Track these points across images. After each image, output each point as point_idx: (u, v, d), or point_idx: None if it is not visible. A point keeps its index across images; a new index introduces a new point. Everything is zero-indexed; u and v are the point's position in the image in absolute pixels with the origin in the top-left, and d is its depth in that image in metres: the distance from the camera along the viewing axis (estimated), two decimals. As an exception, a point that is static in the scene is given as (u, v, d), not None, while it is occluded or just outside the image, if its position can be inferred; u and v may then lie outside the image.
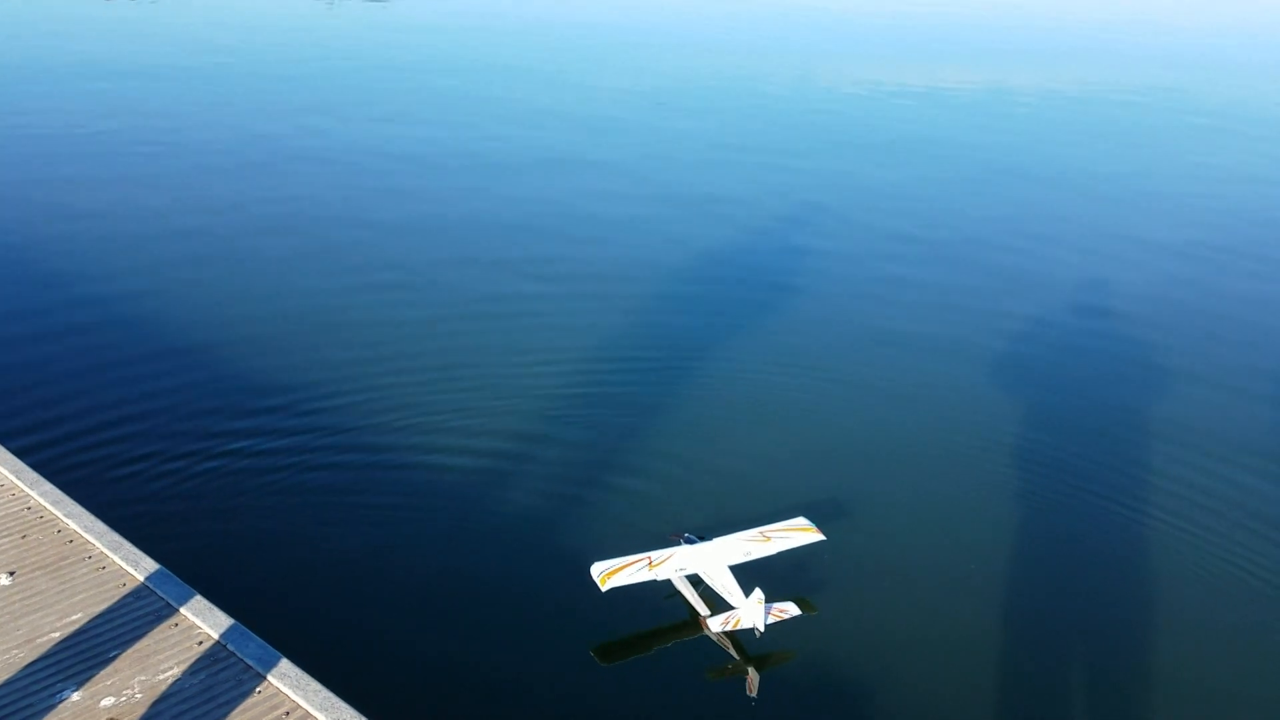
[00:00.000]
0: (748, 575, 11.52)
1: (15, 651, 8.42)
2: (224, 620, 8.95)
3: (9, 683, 8.09)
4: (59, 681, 8.13)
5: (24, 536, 9.90)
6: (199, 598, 9.23)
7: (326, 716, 7.91)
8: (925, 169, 31.55)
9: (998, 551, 13.36)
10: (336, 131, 31.89)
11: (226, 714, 7.93)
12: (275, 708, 8.02)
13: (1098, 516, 14.12)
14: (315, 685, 8.23)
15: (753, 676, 10.84)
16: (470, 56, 46.44)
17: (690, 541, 12.09)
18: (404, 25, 55.56)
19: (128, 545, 9.84)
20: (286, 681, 8.28)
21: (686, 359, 17.95)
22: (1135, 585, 12.83)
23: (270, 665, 8.47)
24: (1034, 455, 15.46)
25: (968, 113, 40.30)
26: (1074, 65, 50.85)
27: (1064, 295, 22.01)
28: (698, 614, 11.47)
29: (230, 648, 8.63)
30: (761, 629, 10.96)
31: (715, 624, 11.05)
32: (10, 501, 10.43)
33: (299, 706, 8.02)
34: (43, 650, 8.46)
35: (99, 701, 7.97)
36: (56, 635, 8.65)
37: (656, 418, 15.89)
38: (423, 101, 36.87)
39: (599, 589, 11.17)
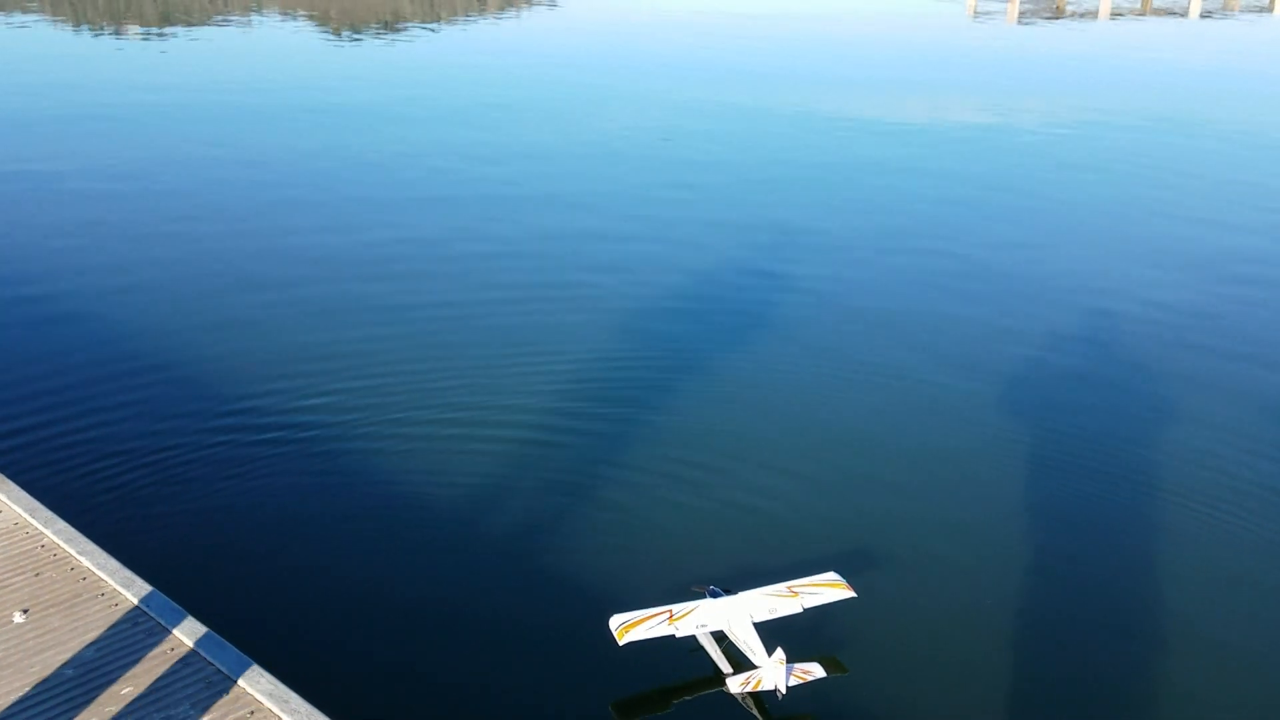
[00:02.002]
0: (774, 630, 11.11)
1: (29, 689, 8.47)
2: (236, 656, 9.00)
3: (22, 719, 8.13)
4: (72, 719, 8.17)
5: (37, 574, 9.98)
6: (211, 634, 9.28)
7: (337, 752, 7.92)
8: (957, 198, 31.38)
9: (1044, 615, 12.64)
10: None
11: (238, 750, 7.95)
12: (286, 744, 8.04)
13: (1147, 572, 13.45)
14: (323, 719, 8.25)
15: None
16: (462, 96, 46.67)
17: (715, 594, 11.65)
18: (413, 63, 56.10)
19: (140, 581, 9.91)
20: (298, 718, 8.30)
21: (712, 407, 17.42)
22: (1191, 640, 12.27)
23: (282, 702, 8.50)
24: (1082, 511, 14.77)
25: (989, 142, 40.22)
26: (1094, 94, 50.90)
27: (1122, 342, 21.66)
28: (720, 671, 11.11)
29: (242, 684, 8.67)
30: (784, 690, 10.48)
31: (735, 684, 10.65)
32: (24, 540, 10.52)
33: (310, 742, 8.04)
34: (55, 688, 8.52)
35: (111, 739, 8.00)
36: (69, 673, 8.70)
37: (681, 464, 15.45)
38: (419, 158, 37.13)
39: (616, 642, 10.80)
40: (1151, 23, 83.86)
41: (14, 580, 9.88)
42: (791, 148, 38.06)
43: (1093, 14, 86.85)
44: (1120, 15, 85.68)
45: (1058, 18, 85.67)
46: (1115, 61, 63.05)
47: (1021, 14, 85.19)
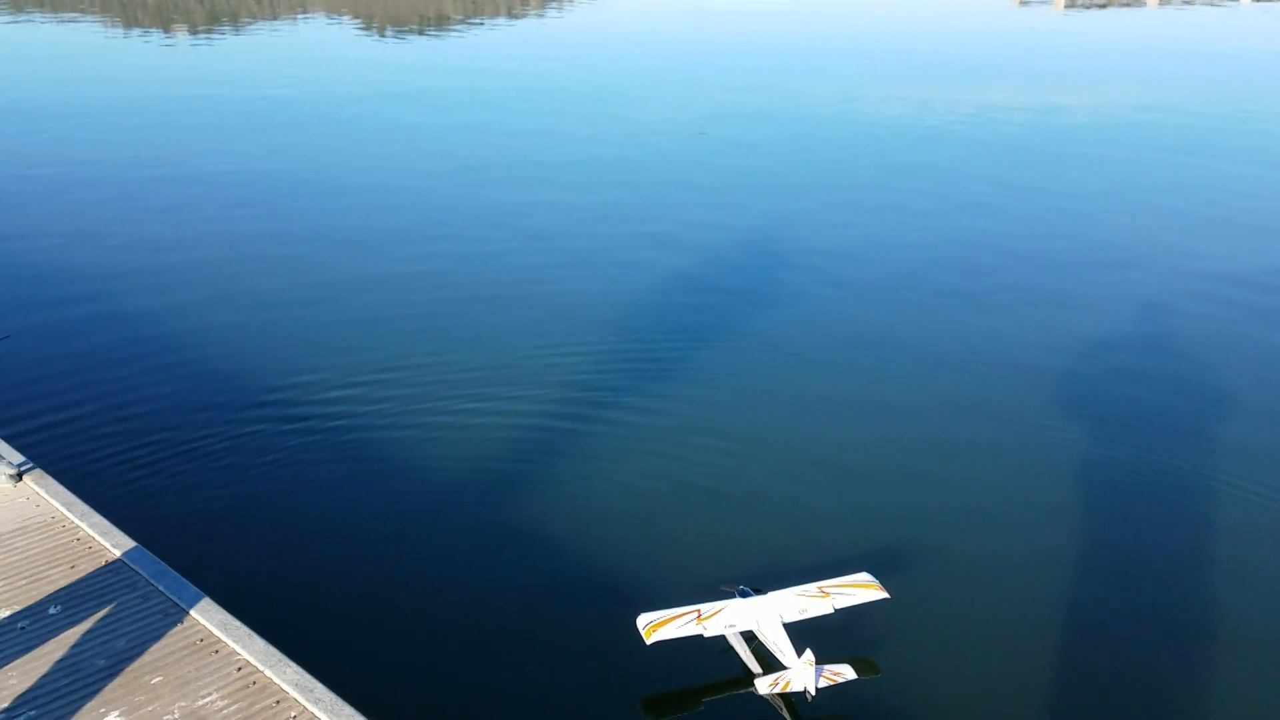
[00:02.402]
0: (804, 630, 10.97)
1: (62, 679, 8.63)
2: (263, 647, 9.10)
3: (54, 709, 8.29)
4: (102, 708, 8.32)
5: (73, 567, 10.16)
6: (240, 625, 9.39)
7: (360, 741, 8.00)
8: (985, 196, 31.08)
9: (1083, 616, 12.32)
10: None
11: (262, 739, 8.05)
12: (310, 733, 8.13)
13: (1193, 570, 13.13)
14: (349, 711, 8.33)
15: None
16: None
17: (744, 594, 11.53)
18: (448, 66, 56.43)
19: (172, 573, 10.06)
20: (323, 708, 8.38)
21: (744, 402, 17.26)
22: (1238, 638, 11.93)
23: (308, 691, 8.58)
24: (1124, 508, 14.47)
25: (1025, 135, 39.77)
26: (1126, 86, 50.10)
27: (1153, 333, 21.22)
28: (749, 671, 10.99)
29: (268, 673, 8.77)
30: (813, 692, 10.35)
31: (763, 685, 10.51)
32: (61, 533, 10.73)
33: (333, 731, 8.12)
34: (87, 677, 8.66)
35: (139, 727, 8.14)
36: (101, 663, 8.85)
37: (712, 462, 15.32)
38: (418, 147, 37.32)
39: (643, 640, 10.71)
40: (1202, 9, 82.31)
41: (50, 573, 10.06)
42: (839, 139, 37.90)
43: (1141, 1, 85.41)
44: (1169, 1, 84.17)
45: (1107, 5, 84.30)
46: (1168, 47, 61.96)
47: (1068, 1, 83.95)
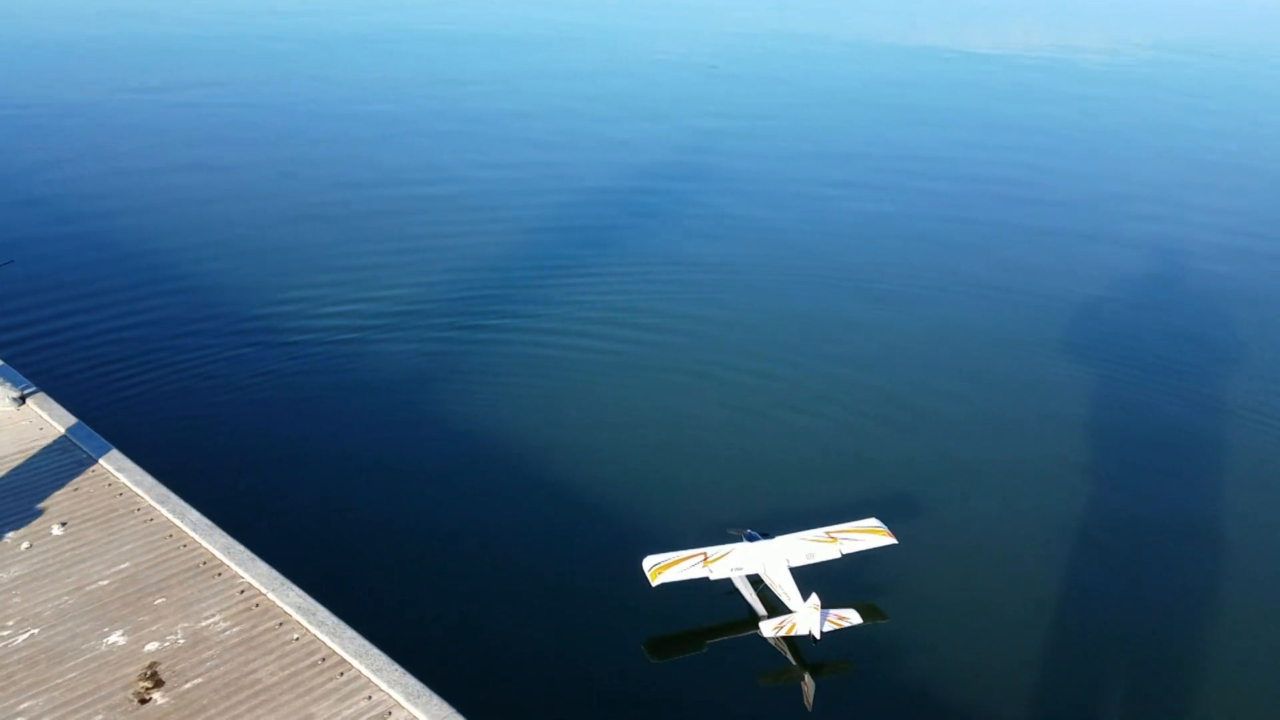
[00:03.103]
0: (812, 575, 10.94)
1: (65, 598, 8.67)
2: (265, 570, 9.12)
3: (59, 627, 8.33)
4: (105, 627, 8.36)
5: (76, 490, 10.17)
6: (242, 549, 9.40)
7: (362, 664, 8.03)
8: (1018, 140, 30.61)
9: (1091, 568, 12.28)
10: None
11: (265, 659, 8.09)
12: (313, 654, 8.17)
13: (1204, 527, 13.01)
14: (351, 633, 8.36)
15: (809, 686, 10.21)
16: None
17: (751, 538, 11.48)
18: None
19: (174, 498, 10.06)
20: (325, 630, 8.41)
21: (758, 348, 17.09)
22: (1250, 610, 11.80)
23: (310, 615, 8.61)
24: (1136, 463, 14.32)
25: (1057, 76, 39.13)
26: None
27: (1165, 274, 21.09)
28: (755, 614, 10.97)
29: (271, 596, 8.80)
30: (818, 636, 10.24)
31: (768, 628, 10.46)
32: (64, 456, 10.72)
33: (335, 653, 8.16)
34: (92, 597, 8.70)
35: (143, 646, 8.17)
36: (105, 583, 8.88)
37: (721, 405, 15.22)
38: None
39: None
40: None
41: (54, 495, 10.07)
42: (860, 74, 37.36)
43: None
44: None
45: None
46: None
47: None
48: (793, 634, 10.39)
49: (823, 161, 27.62)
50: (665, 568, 10.78)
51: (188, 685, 7.80)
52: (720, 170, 26.71)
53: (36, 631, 8.27)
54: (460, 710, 7.63)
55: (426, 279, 18.52)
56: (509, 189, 24.10)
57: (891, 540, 11.44)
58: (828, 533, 11.42)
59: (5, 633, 8.24)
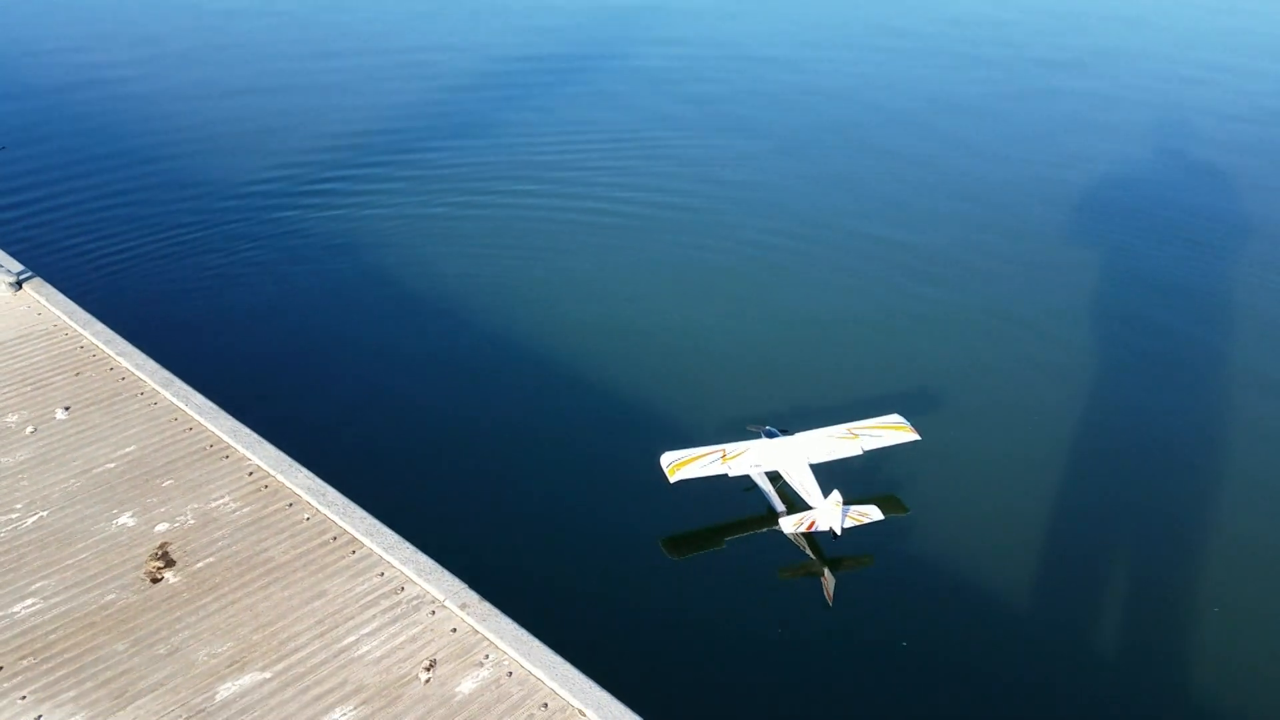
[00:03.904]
0: (832, 472, 10.76)
1: (73, 481, 8.62)
2: (273, 452, 9.05)
3: (68, 509, 8.29)
4: (114, 509, 8.32)
5: (78, 374, 10.06)
6: (249, 431, 9.33)
7: (373, 542, 8.02)
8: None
9: (1111, 465, 12.04)
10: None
11: (277, 538, 8.08)
12: (324, 533, 8.15)
13: (1225, 423, 12.76)
14: (361, 513, 8.33)
15: (829, 581, 10.09)
16: None
17: (771, 435, 11.28)
18: None
19: (178, 382, 9.95)
20: (335, 510, 8.38)
21: (781, 241, 16.67)
22: (1259, 488, 11.70)
23: (320, 495, 8.57)
24: (1160, 366, 14.01)
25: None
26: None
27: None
28: (774, 511, 10.82)
29: (280, 478, 8.75)
30: (839, 532, 10.10)
31: (788, 524, 10.24)
32: (64, 341, 10.58)
33: (345, 532, 8.14)
34: (99, 480, 8.65)
35: (153, 527, 8.15)
36: (112, 466, 8.82)
37: (741, 300, 14.91)
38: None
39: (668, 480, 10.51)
40: None
41: (55, 379, 9.96)
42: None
43: None
44: None
45: None
46: None
47: None
48: (813, 530, 10.24)
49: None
50: (683, 464, 10.59)
51: (199, 564, 7.80)
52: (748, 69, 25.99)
53: (45, 514, 8.23)
54: (472, 587, 7.63)
55: (436, 154, 18.11)
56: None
57: (915, 436, 11.23)
58: (849, 429, 11.19)
59: (14, 515, 8.21)
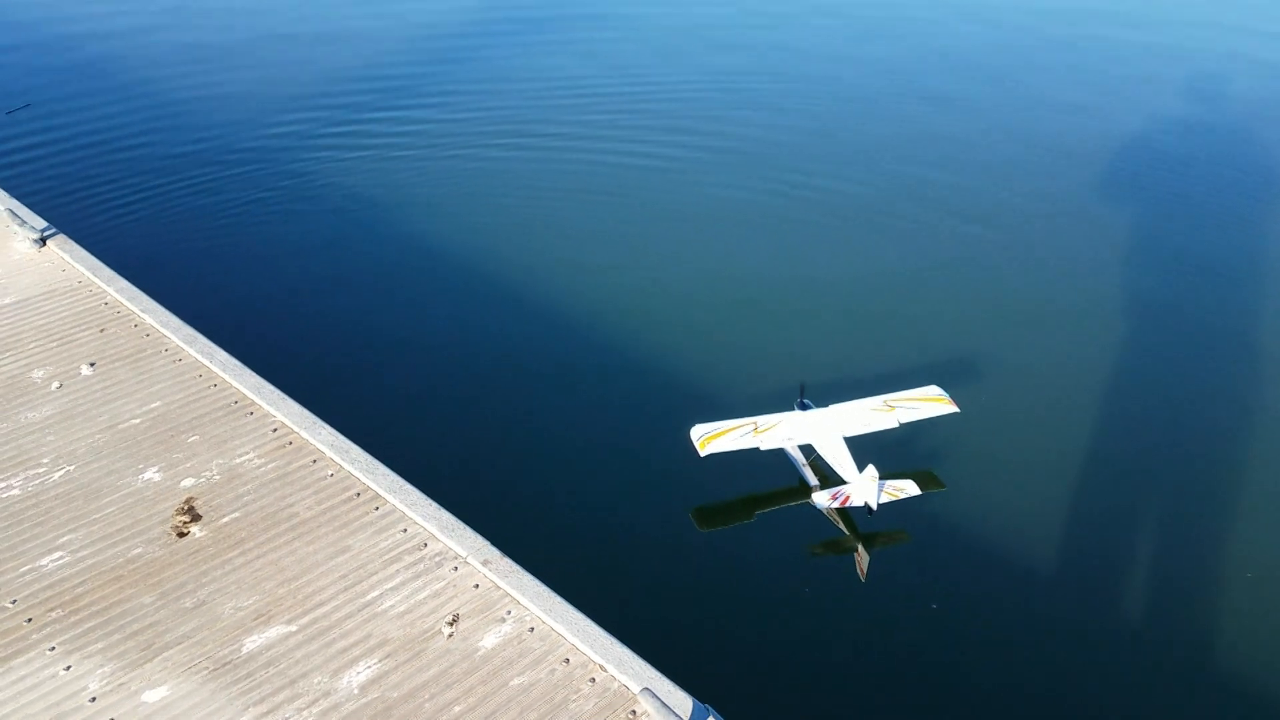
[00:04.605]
0: (867, 445, 10.59)
1: (99, 436, 8.67)
2: (297, 410, 9.07)
3: (94, 464, 8.35)
4: (140, 464, 8.38)
5: (102, 330, 10.09)
6: (273, 389, 9.34)
7: (397, 499, 8.05)
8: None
9: (1153, 440, 11.75)
10: None
11: (301, 494, 8.12)
12: (347, 489, 8.19)
13: (1267, 385, 12.55)
14: (385, 470, 8.35)
15: (862, 557, 10.00)
16: None
17: (804, 407, 11.09)
18: None
19: (202, 339, 9.98)
20: (359, 467, 8.40)
21: (811, 209, 16.31)
22: None
23: (343, 452, 8.59)
24: (1206, 341, 13.65)
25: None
26: None
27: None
28: (807, 485, 10.69)
29: (304, 435, 8.78)
30: (874, 507, 9.97)
31: (822, 499, 10.12)
32: (88, 298, 10.62)
33: (369, 489, 8.17)
34: (125, 435, 8.70)
35: (179, 482, 8.20)
36: (137, 421, 8.87)
37: (771, 272, 14.61)
38: None
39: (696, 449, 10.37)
40: None
41: (80, 335, 10.01)
42: None
43: None
44: None
45: None
46: None
47: None
48: (848, 505, 10.08)
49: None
50: (714, 437, 10.42)
51: (225, 519, 7.85)
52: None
53: (72, 468, 8.30)
54: (495, 544, 7.64)
55: (465, 104, 18.02)
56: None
57: (953, 409, 10.99)
58: (885, 401, 10.95)
59: (40, 469, 8.27)
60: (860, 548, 10.13)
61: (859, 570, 9.96)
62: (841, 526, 10.36)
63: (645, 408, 11.81)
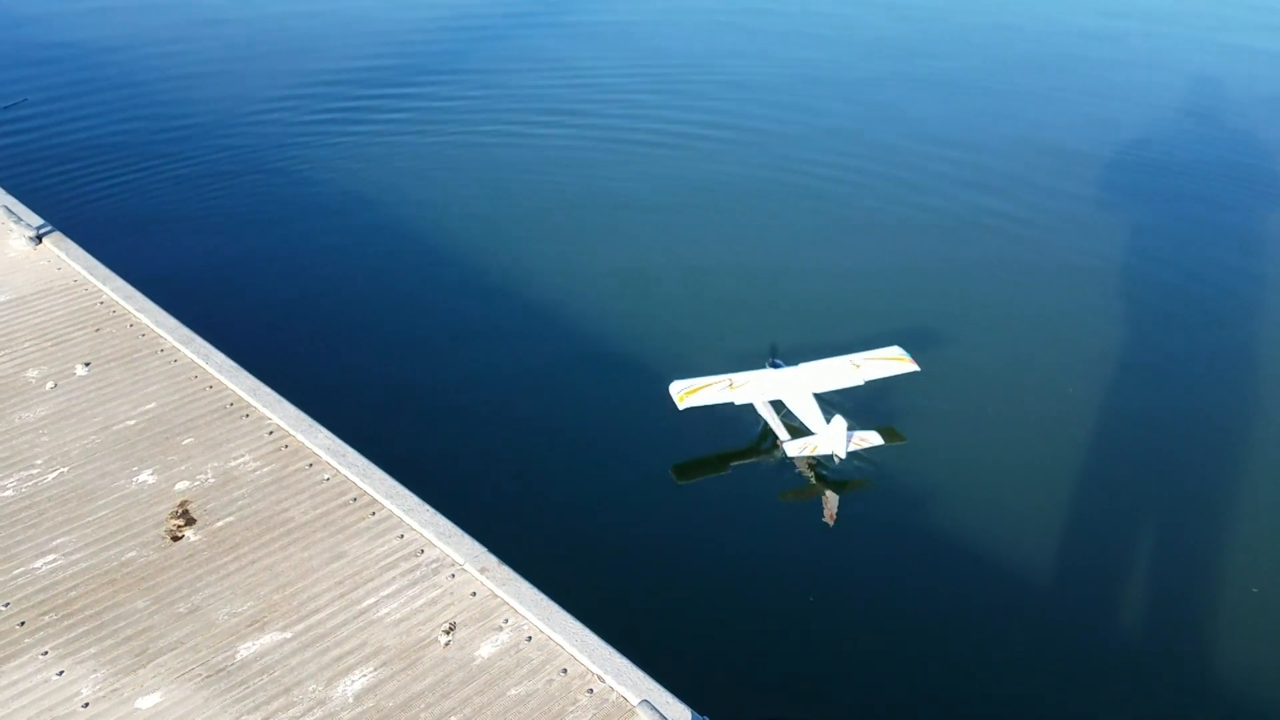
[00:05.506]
0: (834, 402, 11.31)
1: (93, 437, 8.61)
2: (293, 412, 9.01)
3: (89, 466, 8.29)
4: (134, 466, 8.31)
5: (98, 330, 10.02)
6: (269, 390, 9.28)
7: (393, 504, 7.99)
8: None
9: (1105, 387, 12.49)
10: None
11: (297, 499, 8.05)
12: (344, 494, 8.12)
13: (1240, 366, 12.99)
14: (381, 474, 8.30)
15: (830, 501, 10.62)
16: None
17: (776, 366, 11.71)
18: None
19: (198, 339, 9.91)
20: (355, 471, 8.35)
21: (786, 179, 16.93)
22: (1261, 426, 11.94)
23: (340, 456, 8.53)
24: (1163, 305, 14.22)
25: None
26: None
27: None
28: (778, 439, 11.21)
29: (300, 438, 8.71)
30: (842, 455, 10.68)
31: (793, 449, 10.79)
32: (84, 296, 10.55)
33: (365, 493, 8.11)
34: (119, 436, 8.63)
35: (174, 485, 8.14)
36: (132, 423, 8.81)
37: (747, 239, 15.22)
38: None
39: (676, 407, 11.02)
40: None
41: (75, 335, 9.94)
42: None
43: None
44: None
45: None
46: None
47: None
48: (816, 453, 10.71)
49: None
50: (692, 392, 11.08)
51: (220, 523, 7.79)
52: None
53: (65, 470, 8.23)
54: (492, 550, 7.59)
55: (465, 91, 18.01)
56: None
57: (913, 367, 11.68)
58: (850, 361, 11.65)
59: (34, 471, 8.20)
60: (829, 492, 10.73)
61: (827, 514, 10.52)
62: (810, 476, 10.99)
63: (647, 413, 11.87)
